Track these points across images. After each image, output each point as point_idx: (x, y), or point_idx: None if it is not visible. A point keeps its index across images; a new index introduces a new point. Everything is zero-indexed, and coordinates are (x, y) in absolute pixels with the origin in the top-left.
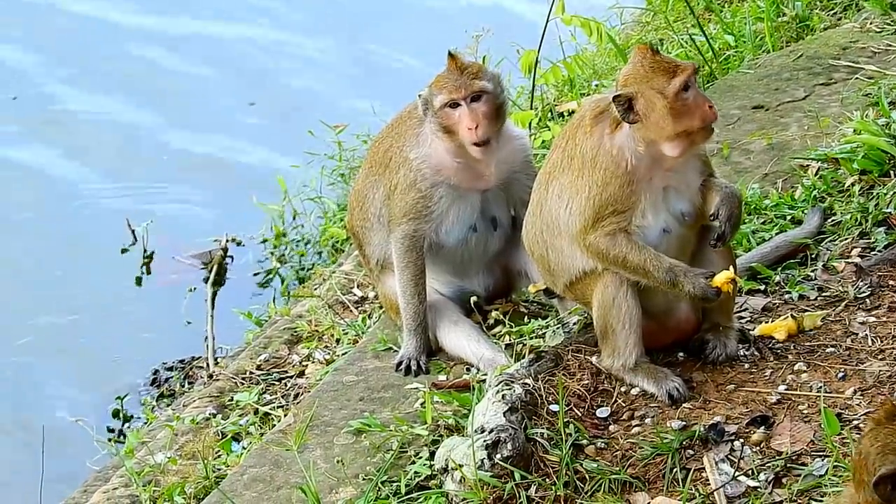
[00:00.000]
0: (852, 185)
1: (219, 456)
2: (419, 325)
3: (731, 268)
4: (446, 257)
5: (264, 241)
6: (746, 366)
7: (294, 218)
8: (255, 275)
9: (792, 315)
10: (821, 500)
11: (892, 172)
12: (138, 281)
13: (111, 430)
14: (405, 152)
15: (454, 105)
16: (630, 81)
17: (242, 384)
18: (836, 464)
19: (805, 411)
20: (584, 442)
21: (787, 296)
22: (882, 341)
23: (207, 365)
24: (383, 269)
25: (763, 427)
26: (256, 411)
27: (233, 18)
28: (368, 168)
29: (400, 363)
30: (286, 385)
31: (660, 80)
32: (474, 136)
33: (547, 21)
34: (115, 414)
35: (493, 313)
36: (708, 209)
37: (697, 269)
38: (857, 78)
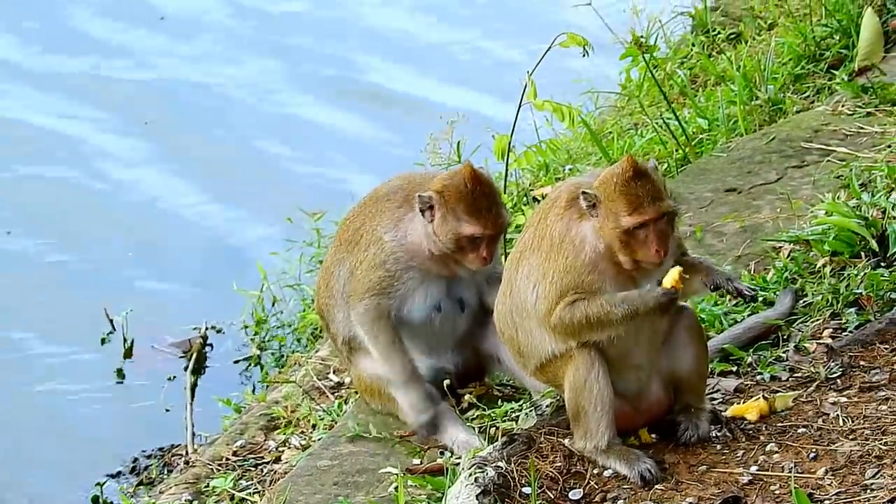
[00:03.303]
0: (824, 266)
1: None
2: (412, 375)
3: (678, 267)
4: (412, 333)
5: (245, 327)
6: (718, 447)
7: (273, 304)
8: (236, 362)
9: (764, 396)
10: None
11: (862, 254)
12: (119, 373)
13: None
14: (378, 232)
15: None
16: (602, 186)
17: (219, 470)
18: None
19: (777, 492)
20: None
21: (758, 377)
22: (853, 421)
23: (186, 452)
24: (352, 351)
25: None
26: (232, 497)
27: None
28: (337, 246)
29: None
30: (262, 471)
31: (620, 206)
32: None
33: (519, 106)
34: (95, 501)
35: (467, 397)
36: (687, 288)
37: (645, 289)
38: (828, 160)
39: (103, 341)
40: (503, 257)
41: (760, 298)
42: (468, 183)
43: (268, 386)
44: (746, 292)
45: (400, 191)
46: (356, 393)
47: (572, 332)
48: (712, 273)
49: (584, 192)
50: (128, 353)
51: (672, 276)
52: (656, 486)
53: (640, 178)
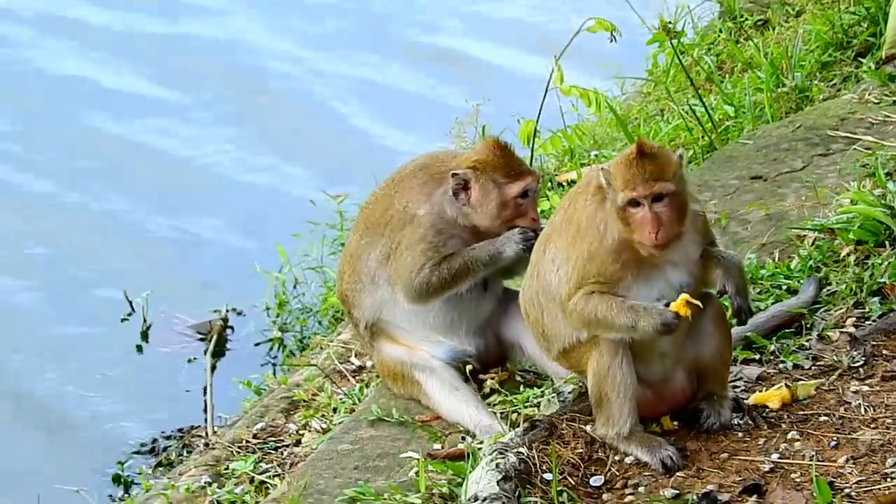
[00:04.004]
0: (848, 255)
1: None
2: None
3: (685, 294)
4: (433, 312)
5: (267, 309)
6: (740, 434)
7: (295, 287)
8: (257, 345)
9: (786, 384)
10: None
11: (887, 243)
12: (139, 348)
13: (112, 498)
14: (411, 210)
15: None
16: (614, 164)
17: (238, 453)
18: None
19: (797, 480)
20: None
21: (781, 365)
22: (875, 410)
23: (206, 434)
24: (374, 336)
25: (756, 496)
26: (252, 480)
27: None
28: (363, 230)
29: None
30: (282, 454)
31: (618, 182)
32: None
33: (546, 91)
34: (116, 479)
35: (489, 382)
36: (709, 280)
37: (654, 304)
38: (854, 149)
39: (123, 320)
40: None
41: (784, 287)
42: (496, 150)
43: (289, 369)
44: (743, 315)
45: (424, 168)
46: (377, 377)
47: (584, 324)
48: (726, 278)
49: (602, 169)
50: (145, 335)
51: (680, 301)
52: (677, 474)
53: (644, 157)
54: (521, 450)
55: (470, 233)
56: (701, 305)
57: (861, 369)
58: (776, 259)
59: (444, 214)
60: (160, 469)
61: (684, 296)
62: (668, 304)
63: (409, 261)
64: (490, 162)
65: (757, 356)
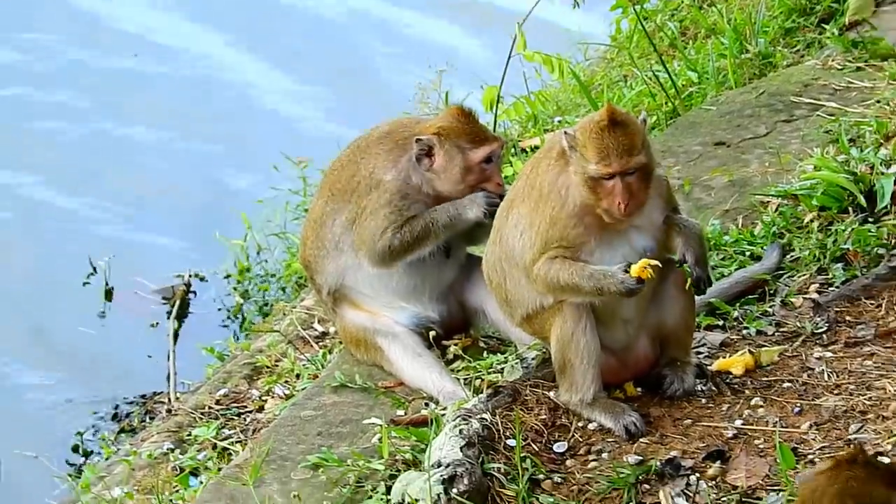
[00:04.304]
0: (811, 221)
1: (176, 491)
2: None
3: (647, 257)
4: (396, 277)
5: (228, 276)
6: (703, 401)
7: (258, 253)
8: (219, 310)
9: (749, 350)
10: None
11: (850, 209)
12: (102, 314)
13: (71, 465)
14: (377, 175)
15: None
16: (580, 129)
17: (201, 419)
18: (790, 498)
19: (761, 446)
20: (541, 476)
21: (744, 331)
22: (838, 376)
23: (168, 400)
24: (337, 301)
25: (719, 461)
26: (215, 446)
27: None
28: (328, 196)
29: None
30: (245, 420)
31: (590, 153)
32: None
33: (509, 57)
34: (76, 449)
35: (452, 348)
36: (671, 247)
37: (615, 268)
38: (817, 115)
39: (85, 283)
40: None
41: (747, 253)
42: (460, 116)
43: (251, 335)
44: (702, 285)
45: (389, 135)
46: (340, 343)
47: (548, 289)
48: (686, 248)
49: (565, 132)
50: (108, 296)
51: (640, 266)
52: (641, 440)
53: (616, 127)
54: (484, 416)
55: (434, 200)
56: (660, 264)
57: (824, 335)
58: (739, 225)
59: (409, 181)
60: (122, 435)
61: (644, 260)
62: (628, 268)
63: (372, 224)
64: (454, 128)
65: (720, 322)
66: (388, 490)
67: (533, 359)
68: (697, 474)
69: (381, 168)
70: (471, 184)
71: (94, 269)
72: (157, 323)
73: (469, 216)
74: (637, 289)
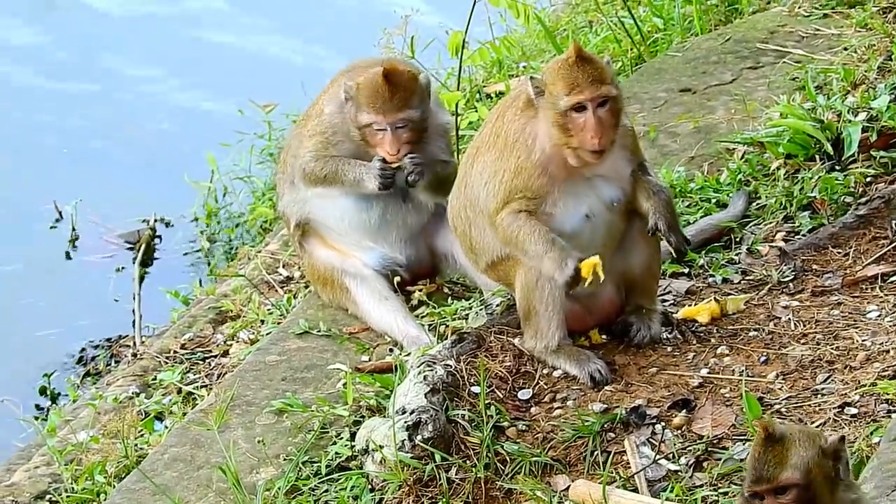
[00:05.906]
0: (777, 168)
1: (141, 435)
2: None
3: (597, 258)
4: (358, 218)
5: (195, 219)
6: (669, 349)
7: (224, 196)
8: (186, 255)
9: (715, 298)
10: (740, 484)
11: (817, 157)
12: (67, 255)
13: (39, 408)
14: (321, 105)
15: None
16: (547, 71)
17: (166, 363)
18: None
19: (727, 395)
20: (506, 424)
21: (710, 279)
22: (804, 325)
23: (134, 344)
24: (305, 236)
25: (685, 410)
26: (180, 391)
27: None
28: (300, 122)
29: None
30: (210, 364)
31: (560, 87)
32: None
33: (474, 2)
34: (43, 391)
35: (417, 294)
36: (638, 208)
37: (573, 253)
38: (784, 62)
39: (52, 227)
40: (458, 155)
41: (713, 200)
42: (378, 77)
43: (217, 279)
44: (682, 250)
45: (345, 73)
46: (306, 287)
47: (505, 242)
48: (657, 217)
49: (531, 78)
50: (73, 242)
51: (588, 265)
52: (606, 388)
53: (584, 61)
54: (448, 362)
55: (356, 147)
56: (602, 277)
57: (791, 284)
58: (705, 172)
59: (345, 119)
60: (88, 379)
61: (596, 259)
62: (581, 260)
63: (302, 145)
64: (365, 87)
65: (686, 270)
66: (353, 436)
67: (498, 305)
68: (663, 423)
69: (327, 101)
70: (367, 142)
71: (61, 214)
72: (123, 268)
73: (368, 186)
74: (573, 284)
